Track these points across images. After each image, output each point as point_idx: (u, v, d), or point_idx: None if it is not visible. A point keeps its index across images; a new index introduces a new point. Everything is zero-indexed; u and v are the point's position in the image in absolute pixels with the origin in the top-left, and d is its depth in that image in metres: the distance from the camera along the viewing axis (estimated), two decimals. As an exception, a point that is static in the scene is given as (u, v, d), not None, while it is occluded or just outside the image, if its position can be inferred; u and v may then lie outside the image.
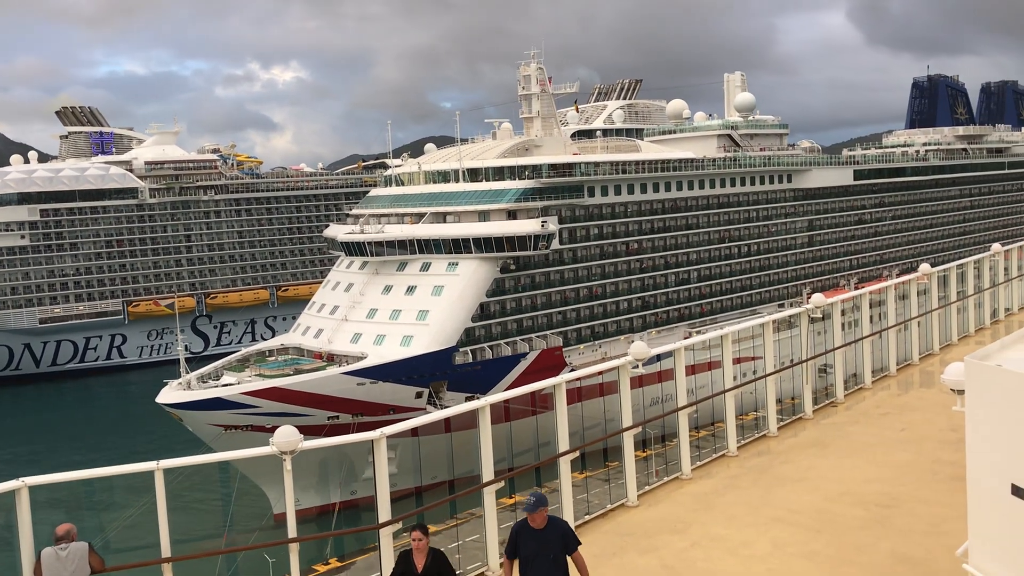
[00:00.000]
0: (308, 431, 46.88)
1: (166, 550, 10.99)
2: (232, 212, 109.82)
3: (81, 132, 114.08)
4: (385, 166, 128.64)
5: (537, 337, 58.45)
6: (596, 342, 60.92)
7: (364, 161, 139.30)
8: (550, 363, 56.37)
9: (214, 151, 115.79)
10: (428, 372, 52.66)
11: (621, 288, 63.48)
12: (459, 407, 13.31)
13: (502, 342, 56.72)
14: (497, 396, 13.42)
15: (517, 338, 57.45)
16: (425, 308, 54.50)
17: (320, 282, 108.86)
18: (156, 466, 10.90)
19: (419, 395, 52.13)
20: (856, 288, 37.23)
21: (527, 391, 14.26)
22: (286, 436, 11.42)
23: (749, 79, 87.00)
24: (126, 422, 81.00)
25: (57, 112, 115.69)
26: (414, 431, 13.12)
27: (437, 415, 13.26)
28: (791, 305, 68.32)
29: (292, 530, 11.74)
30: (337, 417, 49.93)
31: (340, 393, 50.34)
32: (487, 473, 13.02)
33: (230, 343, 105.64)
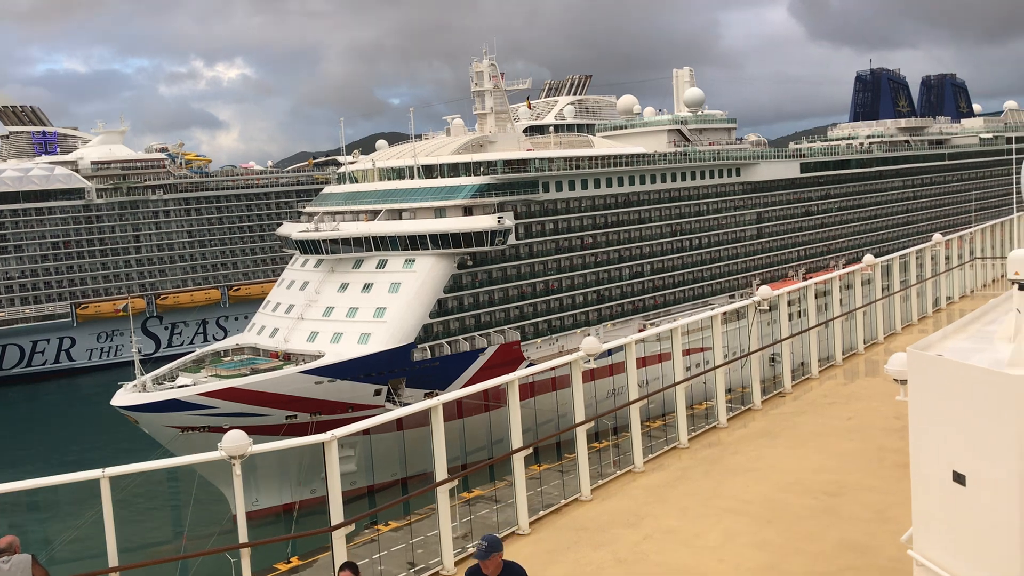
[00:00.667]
0: (266, 431, 47.00)
1: (113, 559, 10.76)
2: (181, 212, 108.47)
3: (23, 132, 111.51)
4: (336, 163, 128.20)
5: (495, 332, 58.97)
6: (553, 336, 61.61)
7: (314, 158, 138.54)
8: (508, 358, 56.86)
9: (162, 150, 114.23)
10: (386, 369, 52.77)
11: (577, 282, 64.35)
12: (411, 407, 13.37)
13: (460, 338, 57.09)
14: (450, 395, 13.41)
15: (475, 333, 57.87)
16: (382, 305, 54.60)
17: (273, 281, 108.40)
18: (102, 474, 10.68)
19: (378, 392, 52.23)
20: (804, 278, 38.05)
21: (479, 389, 14.29)
22: (235, 440, 11.23)
23: (695, 74, 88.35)
24: (77, 427, 79.74)
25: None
26: (366, 431, 13.04)
27: (389, 415, 13.15)
28: (742, 296, 69.68)
29: (243, 534, 11.55)
30: (295, 416, 49.82)
31: (298, 392, 50.24)
32: (440, 472, 12.98)
33: (181, 344, 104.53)
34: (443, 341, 56.25)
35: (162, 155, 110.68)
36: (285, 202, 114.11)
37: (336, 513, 11.79)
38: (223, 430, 42.98)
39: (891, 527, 12.09)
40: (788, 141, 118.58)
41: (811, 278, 25.97)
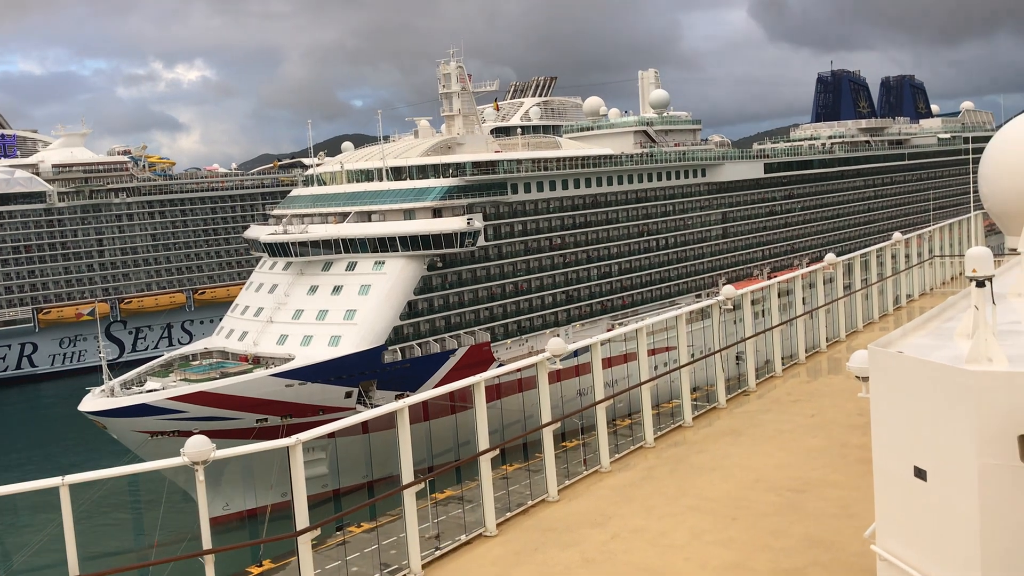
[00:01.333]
0: (237, 435, 46.80)
1: (74, 569, 10.70)
2: (145, 215, 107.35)
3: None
4: (302, 165, 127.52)
5: (465, 333, 59.17)
6: (523, 336, 61.92)
7: (279, 160, 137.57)
8: (479, 359, 57.08)
9: (124, 152, 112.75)
10: (357, 371, 52.75)
11: (546, 283, 64.78)
12: (377, 410, 13.34)
13: (431, 339, 57.24)
14: (416, 397, 13.41)
15: (446, 335, 58.05)
16: (353, 307, 54.57)
17: (239, 284, 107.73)
18: (61, 482, 10.53)
19: (348, 395, 52.21)
20: (769, 277, 38.44)
21: (446, 391, 14.21)
22: (198, 446, 11.08)
23: (642, 74, 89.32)
24: (41, 434, 78.62)
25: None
26: (331, 434, 12.99)
27: (355, 418, 13.01)
28: (708, 295, 70.41)
29: (207, 540, 11.46)
30: (266, 419, 49.66)
31: (268, 395, 50.08)
32: (407, 475, 12.94)
33: (146, 349, 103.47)
34: (414, 343, 56.33)
35: (125, 158, 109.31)
36: (250, 204, 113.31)
37: (302, 517, 11.71)
38: (193, 434, 42.80)
39: (855, 522, 12.10)
40: (751, 142, 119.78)
41: (775, 276, 26.28)
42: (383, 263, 56.17)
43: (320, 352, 52.50)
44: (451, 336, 58.47)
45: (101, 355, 51.02)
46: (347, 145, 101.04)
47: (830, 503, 13.81)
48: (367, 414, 13.14)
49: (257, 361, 53.77)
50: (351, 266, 56.51)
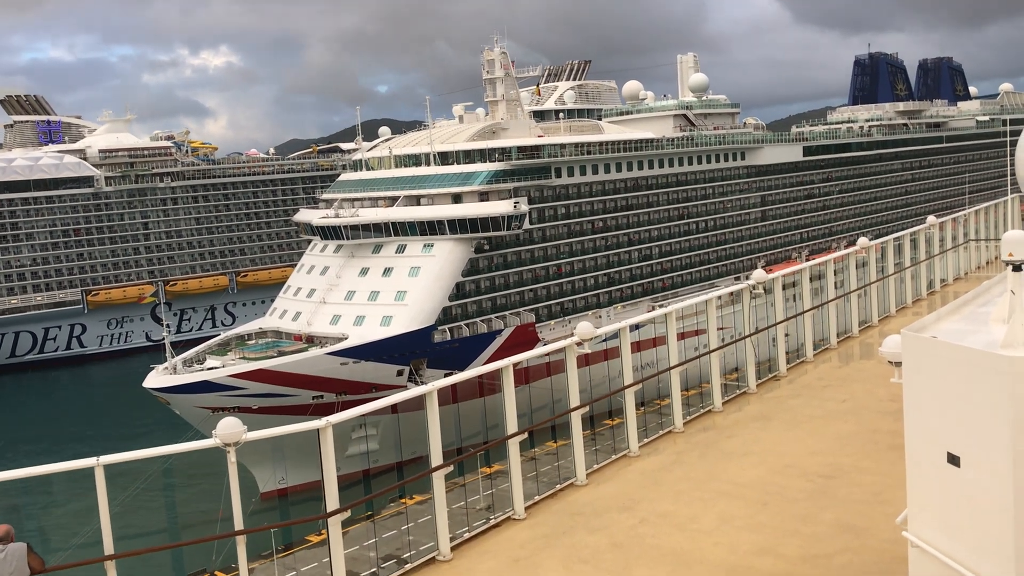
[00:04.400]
0: (293, 411, 48.83)
1: (109, 548, 10.67)
2: (189, 199, 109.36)
3: (28, 121, 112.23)
4: (340, 150, 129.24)
5: (511, 314, 60.47)
6: (566, 318, 63.08)
7: (316, 146, 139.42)
8: (524, 339, 58.40)
9: (168, 138, 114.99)
10: (408, 350, 54.27)
11: (588, 265, 65.82)
12: (406, 392, 13.32)
13: (478, 320, 58.60)
14: (444, 381, 13.36)
15: (492, 316, 59.40)
16: (403, 289, 56.07)
17: (280, 267, 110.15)
18: (96, 462, 10.57)
19: (400, 373, 53.76)
20: (807, 260, 38.58)
21: (475, 374, 14.36)
22: (229, 428, 10.98)
23: (681, 59, 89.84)
24: (91, 413, 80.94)
25: (1, 101, 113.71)
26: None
27: (383, 401, 12.92)
28: (746, 278, 71.15)
29: (239, 522, 11.35)
30: (322, 397, 51.30)
31: (324, 373, 51.70)
32: (436, 457, 12.92)
33: (191, 330, 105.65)
34: (462, 323, 57.71)
35: (168, 143, 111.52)
36: (291, 189, 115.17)
37: (332, 499, 11.67)
38: (252, 411, 44.84)
39: (886, 509, 11.97)
40: (782, 125, 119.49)
41: (811, 260, 26.04)
42: (432, 246, 57.56)
43: (373, 332, 54.06)
44: (497, 317, 59.80)
45: (165, 334, 52.93)
46: (384, 130, 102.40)
47: (861, 489, 13.66)
48: (396, 397, 13.08)
49: (311, 340, 55.41)
50: (401, 249, 57.96)
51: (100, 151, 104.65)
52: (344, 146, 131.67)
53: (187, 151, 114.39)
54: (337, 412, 12.35)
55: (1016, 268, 7.35)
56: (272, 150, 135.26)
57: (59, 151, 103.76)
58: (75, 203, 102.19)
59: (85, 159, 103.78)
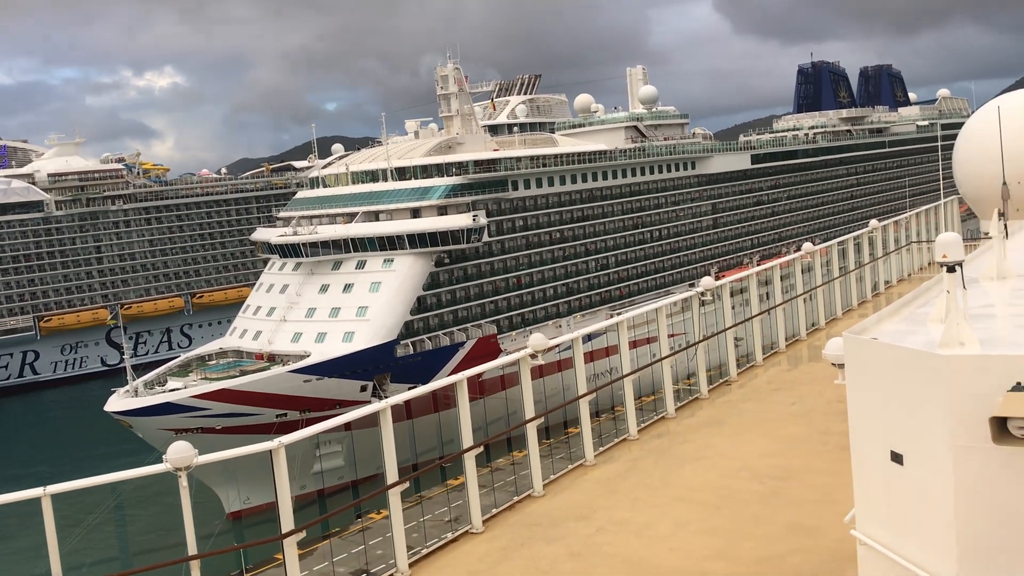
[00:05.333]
0: (258, 430, 48.79)
1: None
2: (142, 221, 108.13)
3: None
4: (292, 168, 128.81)
5: (473, 326, 60.99)
6: (527, 328, 63.70)
7: (269, 164, 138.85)
8: (486, 350, 58.87)
9: (118, 160, 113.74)
10: (372, 366, 54.45)
11: (547, 276, 66.73)
12: (360, 410, 13.17)
13: (440, 333, 59.01)
14: (398, 397, 13.39)
15: (454, 328, 59.86)
16: (364, 304, 56.29)
17: (236, 287, 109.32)
18: (43, 492, 10.46)
19: (364, 388, 53.89)
20: (759, 264, 39.37)
21: (429, 390, 14.33)
22: (179, 452, 10.91)
23: (624, 71, 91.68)
24: (45, 441, 79.27)
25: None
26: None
27: (336, 420, 12.85)
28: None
29: (192, 546, 11.28)
30: (285, 415, 51.26)
31: (288, 391, 51.66)
32: (391, 475, 12.84)
33: (147, 353, 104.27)
34: (424, 337, 58.02)
35: (119, 165, 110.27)
36: (245, 208, 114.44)
37: (287, 520, 11.58)
38: (216, 431, 44.77)
39: (837, 508, 11.78)
40: (728, 134, 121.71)
41: (737, 272, 26.59)
42: (392, 260, 57.90)
43: (335, 348, 54.17)
44: (459, 329, 60.24)
45: (126, 357, 52.57)
46: (337, 147, 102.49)
47: (812, 490, 13.93)
48: (349, 415, 12.97)
49: (272, 359, 55.32)
50: (361, 264, 58.20)
51: (49, 175, 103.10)
52: (297, 164, 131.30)
53: (139, 173, 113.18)
54: (302, 429, 12.43)
55: (950, 269, 7.44)
56: (224, 169, 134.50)
57: (6, 176, 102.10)
58: (24, 228, 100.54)
59: (34, 183, 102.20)
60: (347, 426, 12.78)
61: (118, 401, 50.58)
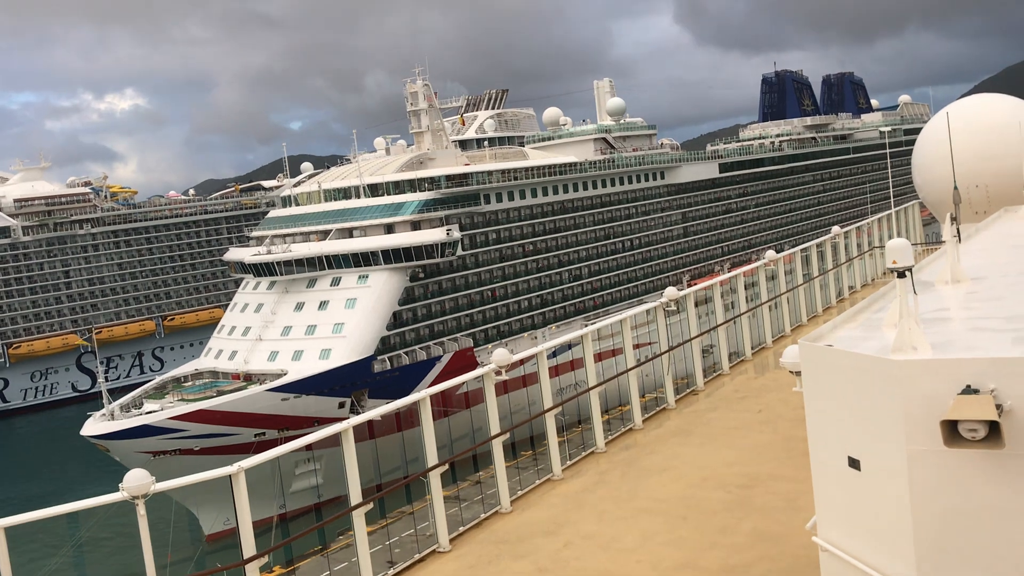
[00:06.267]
0: (236, 450, 49.02)
1: None
2: (111, 244, 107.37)
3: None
4: (262, 188, 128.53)
5: (449, 340, 61.27)
6: (503, 340, 64.15)
7: (238, 184, 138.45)
8: (463, 363, 59.16)
9: (85, 184, 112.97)
10: (349, 382, 54.54)
11: (521, 288, 67.20)
12: (322, 431, 12.93)
13: (417, 348, 59.22)
14: (360, 417, 13.43)
15: (431, 343, 60.11)
16: (340, 321, 56.43)
17: (208, 309, 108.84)
18: None
19: (342, 405, 53.97)
20: (730, 271, 39.56)
21: (392, 409, 14.03)
22: (136, 480, 10.73)
23: (589, 83, 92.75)
24: (13, 470, 78.37)
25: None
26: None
27: (300, 441, 12.77)
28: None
29: (151, 572, 11.11)
30: (264, 434, 51.25)
31: (265, 410, 51.61)
32: (355, 496, 12.71)
33: (118, 378, 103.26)
34: (401, 352, 58.19)
35: (87, 189, 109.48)
36: (215, 229, 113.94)
37: (248, 545, 11.36)
38: (194, 452, 44.76)
39: (802, 515, 11.72)
40: (694, 144, 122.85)
41: (734, 271, 26.36)
42: (367, 276, 58.11)
43: (312, 366, 54.22)
44: (436, 343, 60.49)
45: (101, 380, 52.32)
46: (306, 165, 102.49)
47: (777, 497, 13.94)
48: (311, 436, 12.81)
49: (249, 378, 55.27)
50: (336, 281, 58.36)
51: (15, 200, 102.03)
52: (266, 183, 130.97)
53: (106, 196, 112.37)
54: (270, 449, 12.28)
55: (901, 275, 7.47)
56: (192, 191, 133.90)
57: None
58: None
59: (0, 209, 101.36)
60: (308, 447, 12.67)
61: (95, 425, 50.32)
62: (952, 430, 6.43)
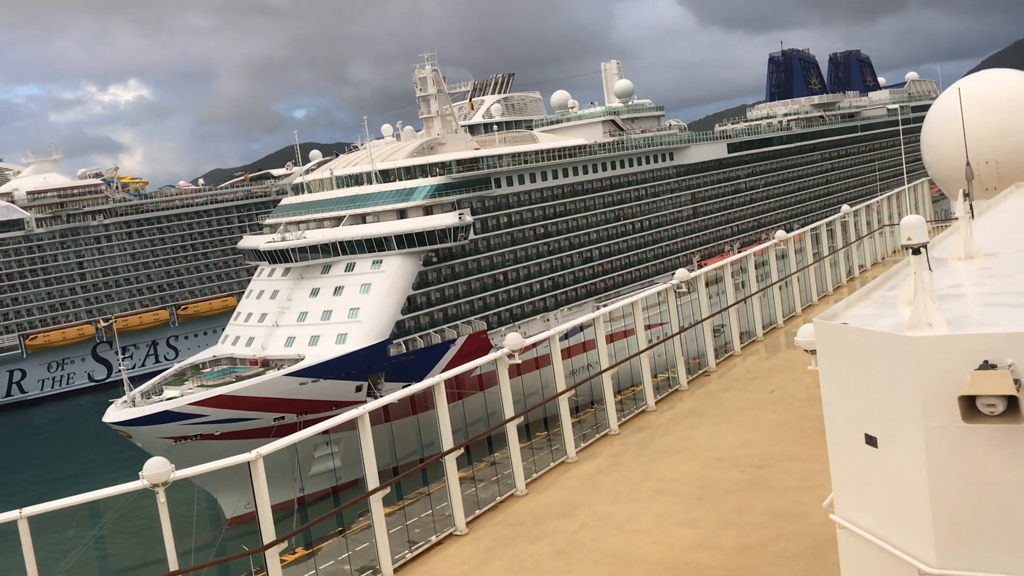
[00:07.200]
0: (256, 434, 49.75)
1: None
2: (123, 235, 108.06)
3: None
4: (271, 176, 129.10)
5: (463, 323, 61.81)
6: (516, 323, 64.68)
7: (247, 173, 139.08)
8: (477, 346, 59.74)
9: (96, 175, 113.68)
10: (365, 366, 55.17)
11: (533, 271, 67.68)
12: (338, 417, 13.03)
13: (431, 331, 59.78)
14: (375, 403, 13.44)
15: (445, 326, 60.66)
16: (356, 306, 57.03)
17: (221, 297, 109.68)
18: (19, 515, 10.31)
19: (359, 389, 54.67)
20: (739, 252, 39.72)
21: (407, 394, 14.20)
22: (156, 468, 10.78)
23: (593, 66, 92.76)
24: (35, 459, 79.33)
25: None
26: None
27: (316, 428, 12.80)
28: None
29: (172, 562, 11.17)
30: (283, 418, 51.97)
31: (284, 394, 52.26)
32: (372, 480, 12.77)
33: (133, 367, 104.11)
34: (416, 335, 58.75)
35: (98, 180, 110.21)
36: (226, 218, 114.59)
37: (267, 531, 11.45)
38: (215, 437, 45.50)
39: (817, 493, 11.95)
40: (701, 125, 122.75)
41: (719, 260, 26.26)
42: (381, 262, 58.66)
43: (329, 350, 54.84)
44: (450, 327, 61.04)
45: (121, 368, 53.08)
46: (315, 153, 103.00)
47: (792, 476, 13.95)
48: (327, 422, 12.88)
49: (266, 364, 55.91)
50: (350, 267, 58.93)
51: (28, 193, 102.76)
52: (275, 172, 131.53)
53: (117, 187, 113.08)
54: (293, 434, 12.44)
55: (915, 251, 7.49)
56: (202, 180, 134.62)
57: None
58: (6, 247, 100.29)
59: (13, 202, 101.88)
60: (325, 432, 12.75)
61: (117, 411, 51.06)
62: (970, 405, 6.46)
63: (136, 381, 58.59)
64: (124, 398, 51.72)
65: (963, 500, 6.74)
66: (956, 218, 10.62)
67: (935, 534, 6.81)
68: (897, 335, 6.97)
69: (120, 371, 53.17)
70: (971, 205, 10.79)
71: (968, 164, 15.10)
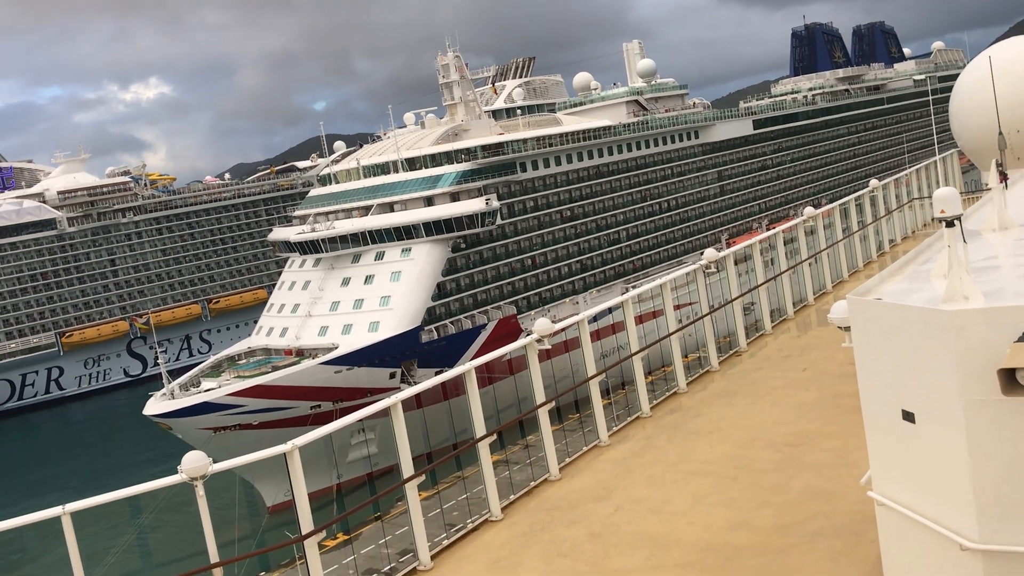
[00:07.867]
0: (293, 423, 50.25)
1: None
2: (153, 231, 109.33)
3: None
4: (296, 169, 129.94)
5: (493, 308, 62.11)
6: (545, 307, 64.95)
7: (273, 166, 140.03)
8: (508, 330, 60.08)
9: (124, 173, 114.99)
10: (398, 353, 55.64)
11: (561, 254, 67.76)
12: (372, 406, 13.19)
13: (462, 317, 60.13)
14: (408, 391, 13.50)
15: (475, 312, 60.97)
16: (387, 294, 57.51)
17: (251, 290, 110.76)
18: (62, 511, 10.51)
19: (392, 375, 55.21)
20: (769, 229, 39.29)
21: (438, 382, 14.35)
22: (195, 462, 11.03)
23: (612, 47, 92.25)
24: (75, 454, 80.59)
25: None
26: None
27: (350, 417, 12.89)
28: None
29: (213, 554, 11.33)
30: (319, 406, 52.60)
31: (319, 383, 52.84)
32: (407, 468, 12.87)
33: (168, 361, 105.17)
34: (447, 321, 59.12)
35: (127, 178, 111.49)
36: (253, 212, 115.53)
37: (306, 521, 11.58)
38: (253, 427, 46.13)
39: (853, 471, 11.89)
40: (725, 102, 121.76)
41: (747, 238, 26.30)
42: (410, 249, 59.05)
43: (362, 338, 55.36)
44: (480, 312, 61.33)
45: (160, 362, 53.90)
46: (339, 144, 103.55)
47: (828, 454, 13.85)
48: (361, 412, 12.95)
49: (301, 353, 56.52)
50: (380, 255, 59.37)
51: (59, 193, 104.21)
52: (300, 164, 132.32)
53: (146, 184, 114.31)
54: (336, 419, 12.58)
55: (949, 224, 7.36)
56: (227, 175, 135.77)
57: (17, 196, 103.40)
58: (39, 247, 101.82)
59: (44, 202, 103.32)
60: (360, 420, 12.81)
61: (156, 404, 51.88)
62: (1010, 378, 6.37)
63: (171, 375, 59.48)
64: (163, 391, 52.53)
65: (1005, 474, 6.67)
66: (988, 189, 10.49)
67: (976, 509, 6.75)
68: (933, 309, 6.90)
69: (158, 365, 53.93)
70: (1005, 175, 10.69)
71: (1000, 133, 14.87)
